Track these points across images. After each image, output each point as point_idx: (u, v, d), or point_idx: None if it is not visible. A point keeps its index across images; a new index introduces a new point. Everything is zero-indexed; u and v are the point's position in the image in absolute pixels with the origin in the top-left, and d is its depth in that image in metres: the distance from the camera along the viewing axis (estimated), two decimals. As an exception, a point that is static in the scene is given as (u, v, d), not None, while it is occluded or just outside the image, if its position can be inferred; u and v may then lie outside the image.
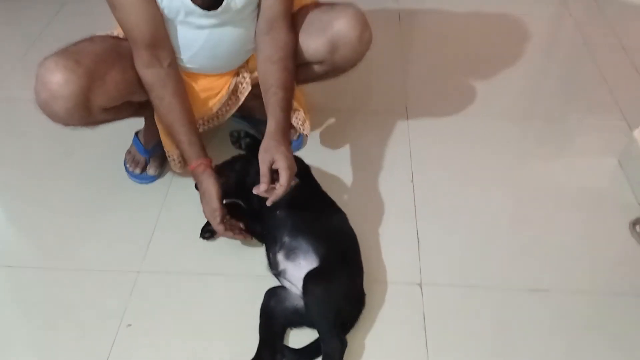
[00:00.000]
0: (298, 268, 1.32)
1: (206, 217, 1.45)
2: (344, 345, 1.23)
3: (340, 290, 1.28)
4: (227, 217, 1.45)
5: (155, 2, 1.30)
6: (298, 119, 1.63)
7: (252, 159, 1.50)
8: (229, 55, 1.48)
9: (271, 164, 1.29)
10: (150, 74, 1.38)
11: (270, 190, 1.28)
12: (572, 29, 2.41)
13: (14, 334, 1.34)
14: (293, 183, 1.34)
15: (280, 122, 1.37)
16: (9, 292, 1.44)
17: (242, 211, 1.52)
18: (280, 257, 1.35)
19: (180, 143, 1.44)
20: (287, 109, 1.40)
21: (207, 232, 1.51)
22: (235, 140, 1.54)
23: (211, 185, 1.42)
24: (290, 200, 1.37)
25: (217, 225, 1.42)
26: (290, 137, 1.44)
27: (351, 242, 1.41)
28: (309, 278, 1.27)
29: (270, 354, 1.26)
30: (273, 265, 1.37)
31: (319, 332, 1.26)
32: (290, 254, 1.34)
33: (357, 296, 1.33)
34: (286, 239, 1.36)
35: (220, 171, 1.50)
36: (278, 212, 1.39)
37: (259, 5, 1.41)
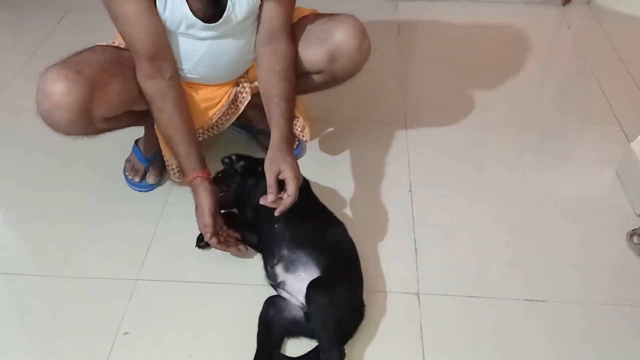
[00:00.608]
0: (298, 280, 1.32)
1: (199, 229, 1.45)
2: (342, 356, 1.23)
3: (342, 301, 1.28)
4: (225, 227, 1.46)
5: (157, 14, 1.31)
6: (297, 126, 1.64)
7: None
8: (229, 65, 1.49)
9: (278, 175, 1.30)
10: (152, 85, 1.39)
11: (277, 200, 1.28)
12: (571, 41, 2.42)
13: (12, 340, 1.34)
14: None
15: (285, 132, 1.38)
16: (7, 299, 1.44)
17: (238, 221, 1.53)
18: (279, 269, 1.35)
19: (178, 155, 1.45)
20: (290, 120, 1.42)
21: (203, 242, 1.50)
22: (230, 166, 1.54)
23: (205, 199, 1.43)
24: (288, 213, 1.38)
25: (208, 240, 1.43)
26: (293, 142, 1.47)
27: (351, 253, 1.42)
28: (312, 287, 1.27)
29: None
30: (271, 277, 1.37)
31: (319, 342, 1.26)
32: (289, 266, 1.34)
33: (357, 307, 1.33)
34: (285, 252, 1.36)
35: (218, 181, 1.51)
36: (276, 225, 1.39)
37: (259, 17, 1.42)
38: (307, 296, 1.26)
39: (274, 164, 1.30)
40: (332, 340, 1.23)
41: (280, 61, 1.44)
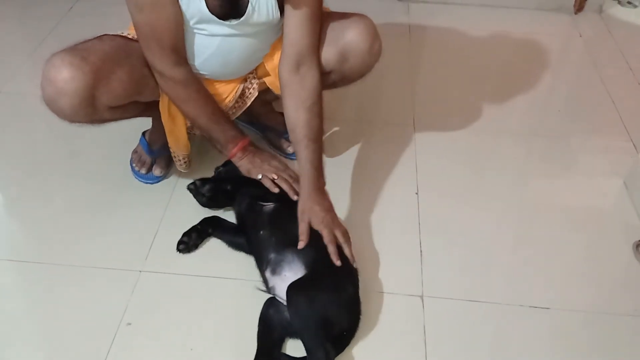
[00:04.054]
0: (285, 280, 1.30)
1: (280, 172, 1.48)
2: (329, 357, 1.21)
3: (326, 300, 1.26)
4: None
5: (178, 3, 1.30)
6: None
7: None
8: (239, 63, 1.48)
9: (309, 222, 1.36)
10: (183, 71, 1.38)
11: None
12: (581, 49, 2.42)
13: (14, 327, 1.34)
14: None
15: (314, 180, 1.40)
16: (11, 286, 1.44)
17: (224, 227, 1.53)
18: (268, 274, 1.35)
19: (227, 125, 1.48)
20: (319, 162, 1.43)
21: (182, 244, 1.49)
22: (196, 192, 1.53)
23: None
24: (272, 218, 1.38)
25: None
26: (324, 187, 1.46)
27: (341, 247, 1.38)
28: (290, 288, 1.26)
29: None
30: (265, 284, 1.37)
31: (303, 344, 1.24)
32: (276, 269, 1.33)
33: (349, 303, 1.30)
34: (272, 256, 1.35)
35: (215, 178, 1.54)
36: (262, 232, 1.39)
37: (282, 36, 1.40)
38: (286, 298, 1.25)
39: (304, 215, 1.37)
40: (316, 340, 1.22)
41: (312, 93, 1.40)
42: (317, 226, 1.35)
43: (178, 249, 1.49)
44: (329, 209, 1.40)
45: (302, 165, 1.41)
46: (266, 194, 1.46)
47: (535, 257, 1.53)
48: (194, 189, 1.53)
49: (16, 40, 2.33)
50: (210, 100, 1.46)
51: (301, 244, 1.33)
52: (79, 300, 1.38)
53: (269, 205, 1.45)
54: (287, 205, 1.42)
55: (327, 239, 1.34)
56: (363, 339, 1.31)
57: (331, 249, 1.33)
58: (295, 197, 1.43)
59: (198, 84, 1.43)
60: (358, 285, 1.34)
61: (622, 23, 2.58)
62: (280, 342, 1.30)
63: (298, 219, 1.37)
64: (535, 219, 1.65)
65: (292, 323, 1.25)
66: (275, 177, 1.46)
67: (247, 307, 1.34)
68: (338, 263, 1.31)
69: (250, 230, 1.44)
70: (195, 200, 1.55)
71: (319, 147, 1.42)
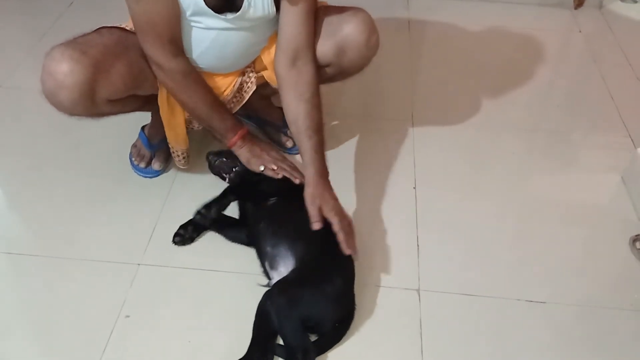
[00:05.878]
0: (280, 275, 1.31)
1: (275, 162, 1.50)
2: (308, 357, 1.22)
3: (307, 298, 1.26)
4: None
5: None
6: None
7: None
8: (236, 56, 1.48)
9: (320, 208, 1.37)
10: (181, 61, 1.39)
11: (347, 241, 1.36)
12: (581, 45, 2.42)
13: (12, 321, 1.35)
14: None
15: (319, 168, 1.42)
16: (9, 279, 1.44)
17: (220, 220, 1.52)
18: (267, 267, 1.36)
19: (227, 114, 1.50)
20: (323, 152, 1.45)
21: (177, 237, 1.50)
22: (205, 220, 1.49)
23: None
24: (270, 211, 1.38)
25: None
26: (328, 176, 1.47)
27: (333, 239, 1.38)
28: (272, 289, 1.27)
29: (261, 354, 1.25)
30: (267, 276, 1.37)
31: (285, 345, 1.25)
32: (273, 263, 1.34)
33: (336, 297, 1.30)
34: (268, 249, 1.36)
35: (221, 164, 1.55)
36: (261, 224, 1.40)
37: (278, 32, 1.41)
38: (269, 301, 1.26)
39: (316, 199, 1.38)
40: (294, 340, 1.23)
41: (309, 86, 1.42)
42: (328, 213, 1.36)
43: (174, 241, 1.49)
44: (336, 198, 1.42)
45: (307, 154, 1.42)
46: (268, 193, 1.48)
47: (532, 252, 1.54)
48: (201, 218, 1.47)
49: (17, 35, 2.33)
50: (210, 90, 1.47)
51: (317, 225, 1.35)
52: (77, 293, 1.39)
53: (272, 200, 1.45)
54: (286, 200, 1.43)
55: (337, 226, 1.35)
56: (359, 332, 1.32)
57: (341, 237, 1.35)
58: (297, 181, 1.45)
59: (196, 73, 1.44)
60: (352, 277, 1.35)
61: (622, 19, 2.57)
62: (276, 334, 1.30)
63: (307, 205, 1.37)
64: (533, 214, 1.65)
65: (273, 325, 1.26)
66: (275, 168, 1.49)
67: (244, 300, 1.35)
68: (348, 252, 1.34)
69: (251, 223, 1.45)
70: (194, 194, 1.56)
71: (322, 138, 1.44)
